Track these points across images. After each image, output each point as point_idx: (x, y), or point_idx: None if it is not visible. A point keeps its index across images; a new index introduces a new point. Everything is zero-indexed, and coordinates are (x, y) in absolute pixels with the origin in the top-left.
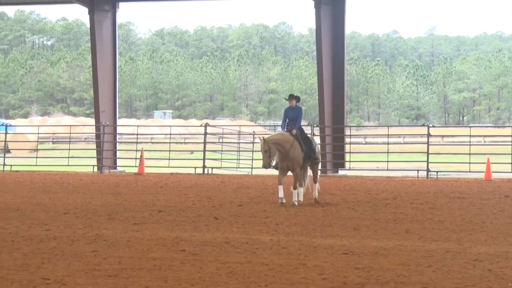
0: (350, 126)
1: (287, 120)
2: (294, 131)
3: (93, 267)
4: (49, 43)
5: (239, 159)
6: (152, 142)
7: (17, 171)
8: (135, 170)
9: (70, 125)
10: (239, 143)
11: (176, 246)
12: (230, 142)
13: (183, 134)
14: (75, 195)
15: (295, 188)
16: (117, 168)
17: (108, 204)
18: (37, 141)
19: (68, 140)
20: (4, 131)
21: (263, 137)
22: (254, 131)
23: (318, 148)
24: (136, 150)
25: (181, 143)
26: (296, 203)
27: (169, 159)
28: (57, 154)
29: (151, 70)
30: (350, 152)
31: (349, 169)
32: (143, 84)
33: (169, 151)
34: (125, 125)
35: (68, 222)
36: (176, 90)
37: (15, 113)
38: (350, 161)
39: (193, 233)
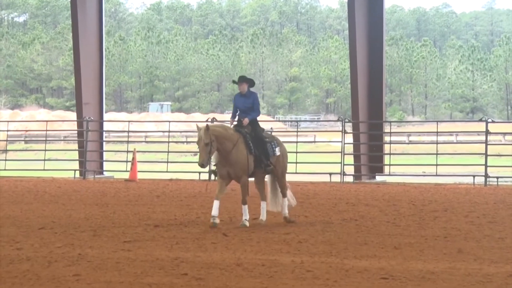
0: (391, 122)
1: (238, 112)
2: (247, 121)
3: None
4: (20, 20)
5: None
6: (147, 142)
7: None
8: (126, 175)
9: (47, 121)
10: None
11: (177, 269)
12: None
13: (185, 132)
14: (53, 206)
15: (244, 203)
16: (104, 173)
17: (93, 217)
18: (6, 140)
19: (44, 139)
20: None
21: (204, 126)
22: (272, 128)
23: (278, 150)
24: (127, 151)
25: (182, 142)
26: (247, 224)
27: (167, 162)
28: (30, 156)
29: (146, 52)
30: (390, 154)
31: (389, 175)
32: (136, 70)
33: (168, 152)
34: (114, 121)
35: (44, 240)
36: (176, 77)
37: None
38: (390, 165)
39: (197, 253)
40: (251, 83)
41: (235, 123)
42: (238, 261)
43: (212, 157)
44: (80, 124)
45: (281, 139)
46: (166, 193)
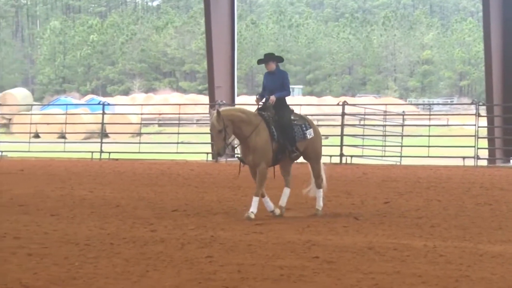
0: None
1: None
2: (273, 99)
3: (207, 276)
4: (154, 4)
5: (385, 146)
6: None
7: (117, 159)
8: None
9: (180, 104)
10: (385, 125)
11: (308, 252)
12: (373, 125)
13: (316, 115)
14: (186, 189)
15: (256, 194)
16: (235, 156)
17: (225, 200)
18: (140, 123)
19: (177, 122)
20: (101, 111)
21: (217, 110)
22: (404, 111)
23: (310, 132)
24: None
25: None
26: (252, 216)
27: None
28: (164, 139)
29: (277, 36)
30: None
31: None
32: None
33: None
34: (246, 104)
35: (178, 222)
36: (307, 61)
37: (114, 89)
38: None
39: (328, 237)
40: (278, 60)
41: (261, 103)
42: (369, 245)
43: (236, 142)
44: (212, 107)
45: (414, 122)
46: (298, 176)
